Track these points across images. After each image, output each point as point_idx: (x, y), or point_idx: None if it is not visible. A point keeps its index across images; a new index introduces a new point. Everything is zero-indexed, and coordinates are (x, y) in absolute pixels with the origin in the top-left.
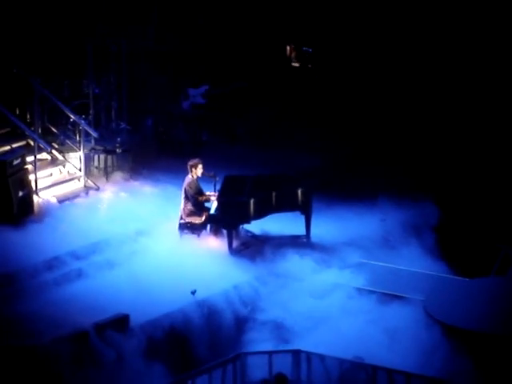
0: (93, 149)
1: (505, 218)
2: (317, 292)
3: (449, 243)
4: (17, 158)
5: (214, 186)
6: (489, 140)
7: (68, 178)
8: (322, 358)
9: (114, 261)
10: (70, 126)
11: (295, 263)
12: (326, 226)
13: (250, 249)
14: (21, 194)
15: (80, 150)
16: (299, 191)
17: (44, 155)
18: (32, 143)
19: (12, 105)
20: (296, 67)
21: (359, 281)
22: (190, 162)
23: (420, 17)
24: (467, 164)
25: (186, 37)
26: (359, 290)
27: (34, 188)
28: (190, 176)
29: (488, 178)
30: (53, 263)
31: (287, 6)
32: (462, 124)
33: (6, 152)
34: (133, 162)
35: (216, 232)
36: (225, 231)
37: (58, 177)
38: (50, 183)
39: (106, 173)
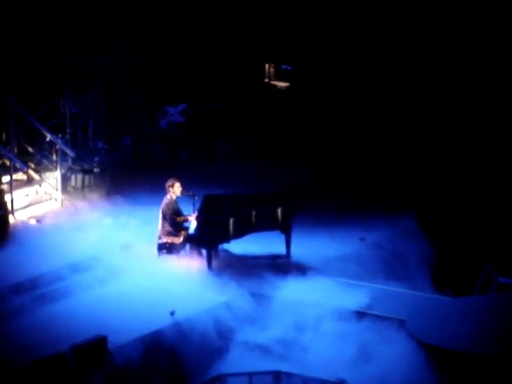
0: (70, 168)
1: (486, 236)
2: (297, 313)
3: (431, 262)
4: None
5: (193, 205)
6: (470, 157)
7: (44, 198)
8: (302, 379)
9: (92, 282)
10: (46, 146)
11: (275, 283)
12: (307, 244)
13: (230, 269)
14: None
15: (57, 169)
16: (279, 210)
17: (20, 175)
18: (8, 163)
19: None
20: (275, 85)
21: (340, 301)
22: (167, 183)
23: (401, 35)
24: (449, 182)
25: (164, 54)
26: (340, 310)
27: (9, 208)
28: (168, 196)
29: (469, 196)
30: (29, 284)
31: (266, 23)
32: (441, 142)
33: None
34: (110, 181)
35: (195, 252)
36: (204, 251)
37: (34, 197)
38: (26, 203)
39: (84, 193)
